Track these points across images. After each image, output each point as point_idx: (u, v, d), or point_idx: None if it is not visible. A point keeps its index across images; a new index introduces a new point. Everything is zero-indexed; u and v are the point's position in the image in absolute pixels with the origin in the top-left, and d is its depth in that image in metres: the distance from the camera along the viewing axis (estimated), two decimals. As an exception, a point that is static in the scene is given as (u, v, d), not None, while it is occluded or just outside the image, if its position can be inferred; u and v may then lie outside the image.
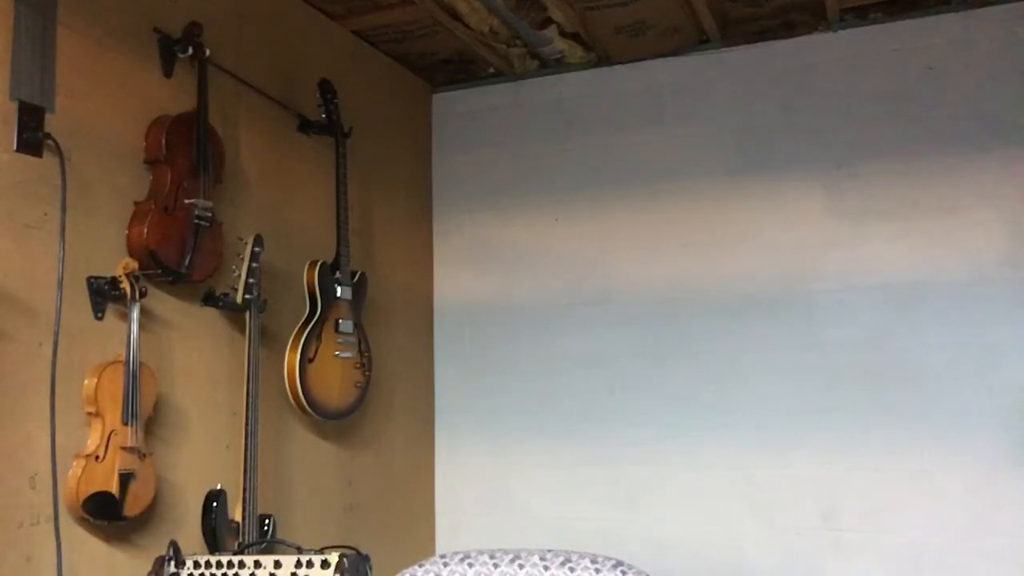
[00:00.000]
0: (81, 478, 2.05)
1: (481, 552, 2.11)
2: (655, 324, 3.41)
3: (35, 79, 2.05)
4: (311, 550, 2.02)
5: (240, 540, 2.41)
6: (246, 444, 2.44)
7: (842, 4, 3.11)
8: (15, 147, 2.00)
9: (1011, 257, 2.99)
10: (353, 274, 2.95)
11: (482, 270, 3.70)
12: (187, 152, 2.37)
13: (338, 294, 2.87)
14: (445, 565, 2.10)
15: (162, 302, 2.36)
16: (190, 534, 2.39)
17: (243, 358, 2.49)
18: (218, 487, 2.46)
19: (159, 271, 2.28)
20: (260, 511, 2.49)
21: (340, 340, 2.87)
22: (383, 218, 3.43)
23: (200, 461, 2.46)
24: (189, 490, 2.41)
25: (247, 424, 2.44)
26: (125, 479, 2.12)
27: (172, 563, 2.04)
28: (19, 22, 2.02)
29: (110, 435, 2.10)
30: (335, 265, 2.89)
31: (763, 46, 3.36)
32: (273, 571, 1.98)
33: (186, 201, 2.33)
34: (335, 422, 2.98)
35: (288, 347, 2.74)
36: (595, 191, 3.54)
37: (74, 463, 2.06)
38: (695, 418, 3.31)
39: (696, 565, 3.26)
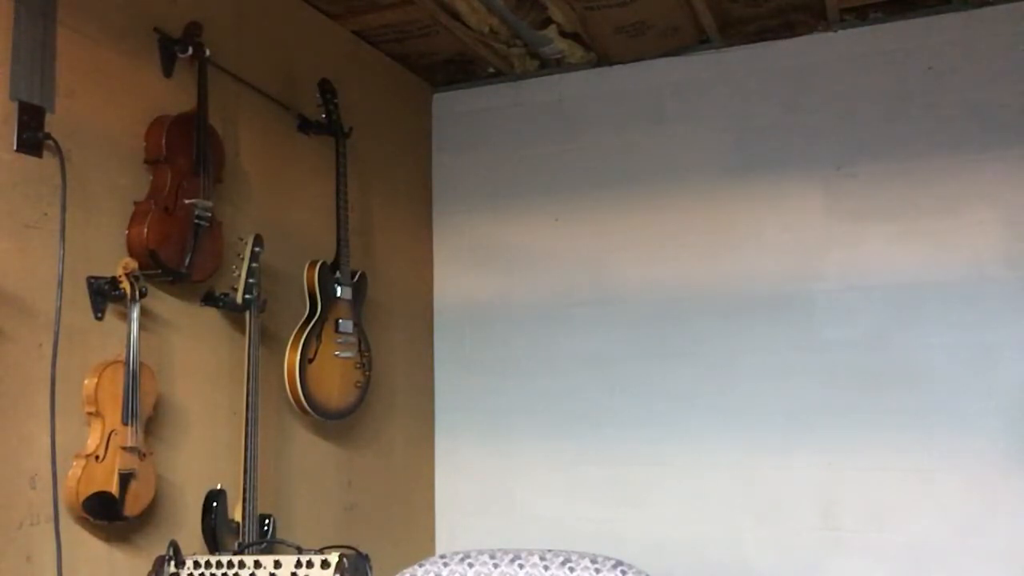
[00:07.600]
0: (81, 478, 2.05)
1: (481, 552, 2.11)
2: (655, 324, 3.40)
3: (35, 79, 2.05)
4: (311, 550, 2.02)
5: (240, 540, 2.41)
6: (246, 444, 2.44)
7: (842, 4, 3.11)
8: (15, 147, 2.01)
9: (1011, 257, 2.99)
10: (353, 274, 2.95)
11: (482, 270, 3.70)
12: (187, 152, 2.37)
13: (338, 294, 2.87)
14: (445, 565, 2.10)
15: (162, 302, 2.36)
16: (190, 534, 2.39)
17: (243, 358, 2.49)
18: (218, 487, 2.46)
19: (159, 271, 2.28)
20: (260, 511, 2.49)
21: (340, 340, 2.87)
22: (383, 218, 3.43)
23: (200, 461, 2.46)
24: (189, 490, 2.41)
25: (247, 424, 2.44)
26: (125, 479, 2.12)
27: (172, 563, 2.04)
28: (19, 22, 2.02)
29: (110, 435, 2.10)
30: (335, 265, 2.89)
31: (763, 46, 3.36)
32: (273, 571, 1.98)
33: (186, 201, 2.34)
34: (335, 422, 2.98)
35: (288, 347, 2.75)
36: (595, 191, 3.54)
37: (74, 463, 2.06)
38: (695, 418, 3.31)
39: (696, 565, 3.26)
